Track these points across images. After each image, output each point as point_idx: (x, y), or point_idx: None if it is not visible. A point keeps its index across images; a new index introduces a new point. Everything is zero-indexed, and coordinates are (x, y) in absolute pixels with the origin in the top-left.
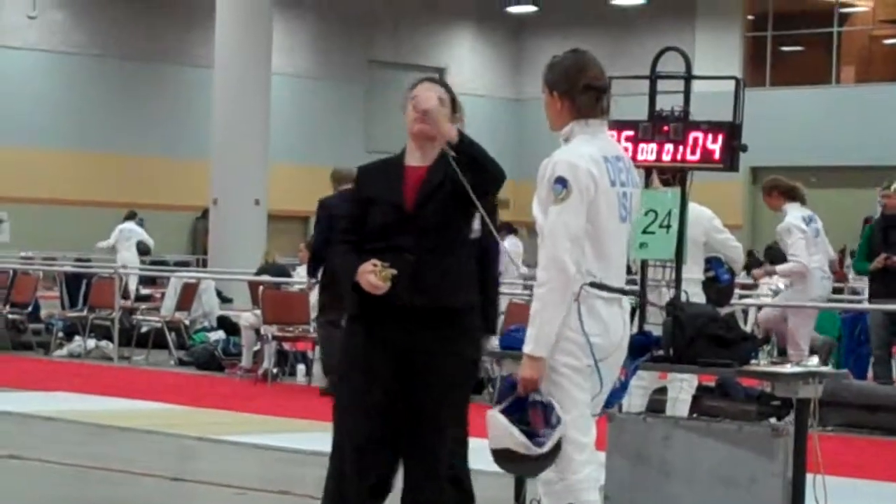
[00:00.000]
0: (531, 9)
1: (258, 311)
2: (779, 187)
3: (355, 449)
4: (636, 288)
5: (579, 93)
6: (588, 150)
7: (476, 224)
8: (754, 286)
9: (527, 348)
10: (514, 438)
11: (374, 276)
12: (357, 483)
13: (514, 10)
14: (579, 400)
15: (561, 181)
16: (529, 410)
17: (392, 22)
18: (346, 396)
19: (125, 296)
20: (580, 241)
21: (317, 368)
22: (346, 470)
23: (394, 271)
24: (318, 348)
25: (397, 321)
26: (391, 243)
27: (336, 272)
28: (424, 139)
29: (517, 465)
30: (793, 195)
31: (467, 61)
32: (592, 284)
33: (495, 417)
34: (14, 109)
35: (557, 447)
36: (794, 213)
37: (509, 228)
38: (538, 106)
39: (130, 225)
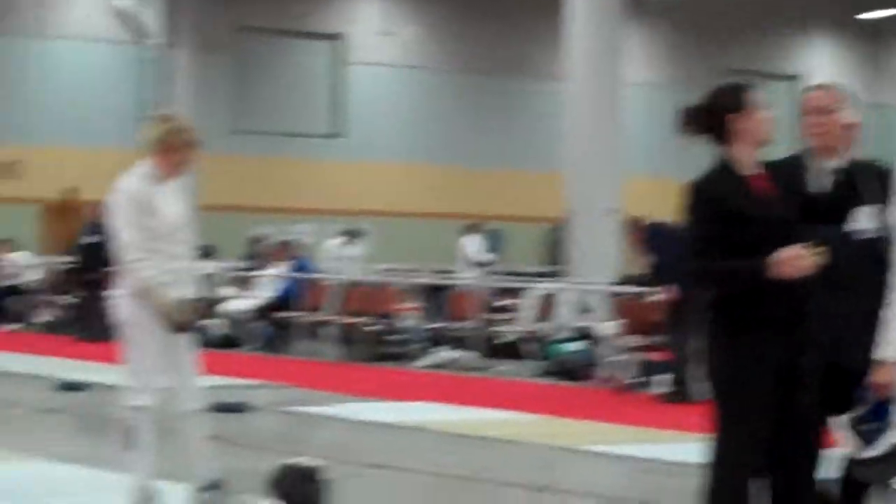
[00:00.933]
0: (889, 12)
1: (618, 322)
2: None
3: (738, 465)
4: None
5: None
6: None
7: (869, 223)
8: None
9: (881, 353)
10: (849, 441)
11: (805, 257)
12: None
13: (868, 15)
14: None
15: None
16: (886, 416)
17: (746, 29)
18: (729, 412)
19: (485, 307)
20: None
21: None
22: (728, 483)
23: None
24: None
25: (776, 331)
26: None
27: (722, 280)
28: (762, 145)
29: (866, 470)
30: None
31: (825, 67)
32: None
33: (836, 421)
34: (371, 124)
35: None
36: None
37: None
38: None
39: (468, 238)
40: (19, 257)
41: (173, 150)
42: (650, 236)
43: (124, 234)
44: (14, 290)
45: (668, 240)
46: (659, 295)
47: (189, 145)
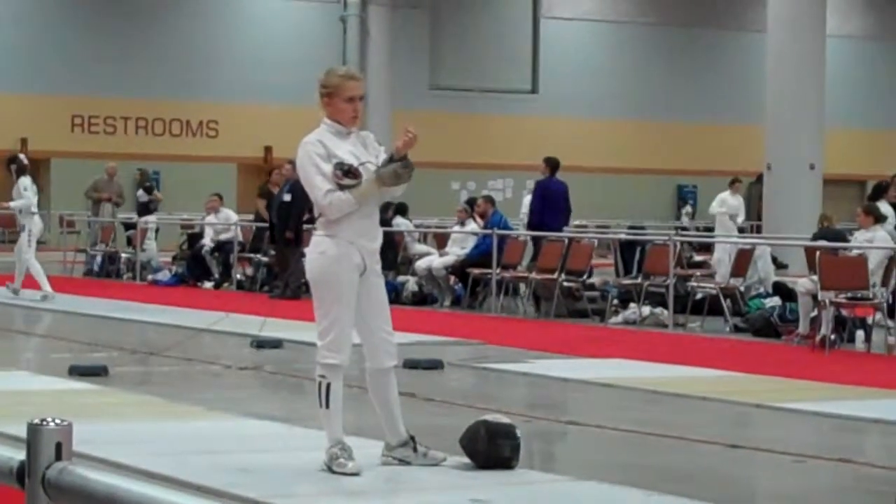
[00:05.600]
0: None
1: (815, 277)
2: None
3: None
4: None
5: None
6: None
7: None
8: None
9: None
10: None
11: None
12: None
13: None
14: None
15: None
16: None
17: None
18: None
19: (679, 263)
20: None
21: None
22: None
23: None
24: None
25: None
26: None
27: None
28: None
29: None
30: None
31: None
32: None
33: None
34: (566, 80)
35: None
36: None
37: None
38: None
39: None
40: (231, 213)
41: (334, 94)
42: None
43: (316, 179)
44: (217, 248)
45: None
46: None
47: (346, 87)
